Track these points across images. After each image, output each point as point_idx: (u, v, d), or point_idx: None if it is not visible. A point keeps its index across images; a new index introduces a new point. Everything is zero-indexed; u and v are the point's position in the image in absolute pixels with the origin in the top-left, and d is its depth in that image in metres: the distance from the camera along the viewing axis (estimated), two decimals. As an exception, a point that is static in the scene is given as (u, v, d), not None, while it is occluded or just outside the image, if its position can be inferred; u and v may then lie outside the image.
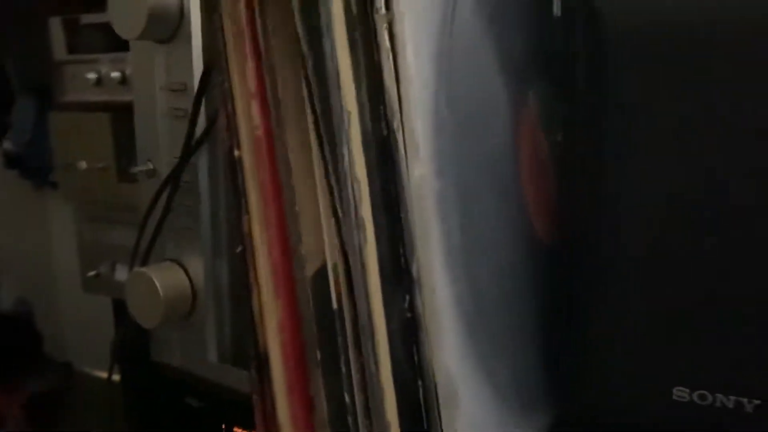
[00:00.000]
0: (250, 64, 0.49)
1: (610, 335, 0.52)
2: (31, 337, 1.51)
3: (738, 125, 0.47)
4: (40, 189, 1.51)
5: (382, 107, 0.46)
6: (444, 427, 0.46)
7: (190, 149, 0.46)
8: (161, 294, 0.50)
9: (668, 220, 0.50)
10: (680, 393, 0.51)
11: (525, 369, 0.54)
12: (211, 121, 0.47)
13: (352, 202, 0.46)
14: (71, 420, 1.44)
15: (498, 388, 0.50)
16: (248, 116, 0.50)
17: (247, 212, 0.50)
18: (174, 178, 0.48)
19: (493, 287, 0.51)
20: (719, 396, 0.50)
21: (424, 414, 0.48)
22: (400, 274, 0.46)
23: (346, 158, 0.46)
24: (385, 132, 0.46)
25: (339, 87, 0.45)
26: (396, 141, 0.45)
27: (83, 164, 1.04)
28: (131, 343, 0.58)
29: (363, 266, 0.46)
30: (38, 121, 1.39)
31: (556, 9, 0.56)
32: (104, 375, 1.49)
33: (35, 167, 1.42)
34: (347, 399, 0.49)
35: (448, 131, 0.46)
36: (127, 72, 0.93)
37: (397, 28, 0.44)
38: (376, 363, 0.46)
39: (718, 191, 0.48)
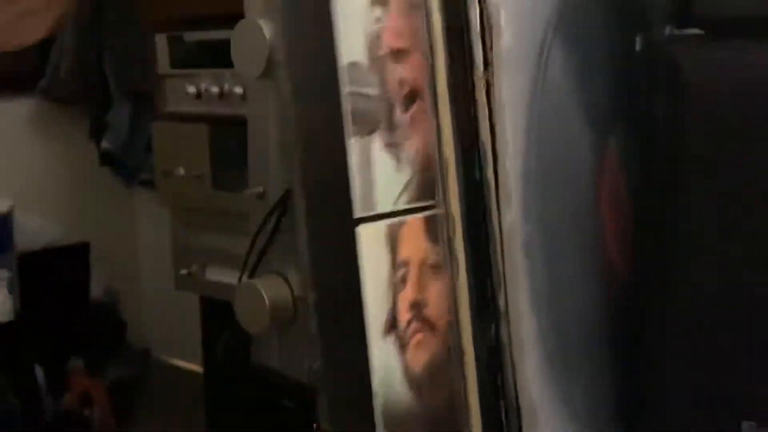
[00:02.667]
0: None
1: (681, 366, 0.56)
2: (115, 325, 1.60)
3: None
4: (129, 187, 1.61)
5: (476, 155, 0.51)
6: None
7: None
8: (267, 303, 0.55)
9: (738, 257, 0.53)
10: (749, 427, 0.55)
11: (601, 394, 0.59)
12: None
13: (446, 235, 0.52)
14: (149, 403, 1.54)
15: (574, 411, 0.55)
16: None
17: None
18: (283, 204, 0.54)
19: (574, 320, 0.56)
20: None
21: (505, 430, 0.54)
22: (486, 305, 0.52)
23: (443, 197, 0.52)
24: (478, 177, 0.52)
25: (440, 137, 0.51)
26: (489, 187, 0.51)
27: (181, 171, 1.13)
28: (232, 344, 0.64)
29: (455, 294, 0.52)
30: (133, 124, 1.49)
31: (639, 44, 0.60)
32: (182, 364, 1.58)
33: (128, 166, 1.53)
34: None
35: (534, 180, 0.51)
36: (234, 90, 1.03)
37: (494, 86, 0.50)
38: (465, 383, 0.52)
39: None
